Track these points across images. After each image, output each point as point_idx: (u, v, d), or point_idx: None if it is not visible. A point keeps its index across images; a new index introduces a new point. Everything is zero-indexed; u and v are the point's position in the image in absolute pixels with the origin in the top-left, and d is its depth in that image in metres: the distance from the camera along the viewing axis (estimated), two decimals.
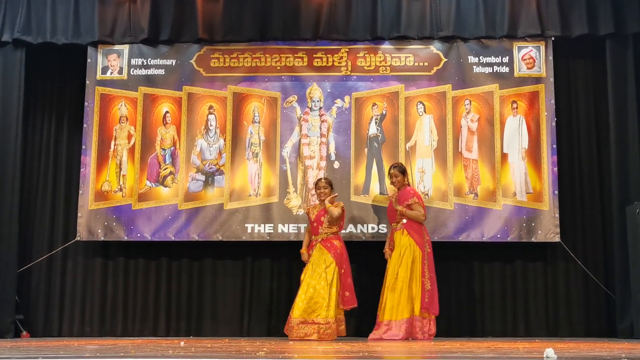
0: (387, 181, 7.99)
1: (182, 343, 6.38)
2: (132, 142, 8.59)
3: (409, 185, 7.81)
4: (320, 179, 7.83)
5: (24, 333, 8.27)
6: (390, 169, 7.80)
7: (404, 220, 7.56)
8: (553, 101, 8.40)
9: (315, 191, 7.80)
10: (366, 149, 8.47)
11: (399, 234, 7.60)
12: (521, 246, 8.33)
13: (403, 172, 7.73)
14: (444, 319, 8.00)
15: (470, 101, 8.47)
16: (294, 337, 7.29)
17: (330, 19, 8.56)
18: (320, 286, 7.38)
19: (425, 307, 7.38)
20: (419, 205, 7.58)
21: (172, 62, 8.69)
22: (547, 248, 8.37)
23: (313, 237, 7.67)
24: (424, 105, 8.49)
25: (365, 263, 8.42)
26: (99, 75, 8.68)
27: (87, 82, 8.65)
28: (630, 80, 8.39)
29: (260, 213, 8.39)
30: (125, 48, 8.73)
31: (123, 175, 8.53)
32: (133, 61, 8.71)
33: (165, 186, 8.50)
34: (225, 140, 8.54)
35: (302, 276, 7.55)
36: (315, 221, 7.64)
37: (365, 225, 8.31)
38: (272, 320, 8.42)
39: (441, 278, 7.74)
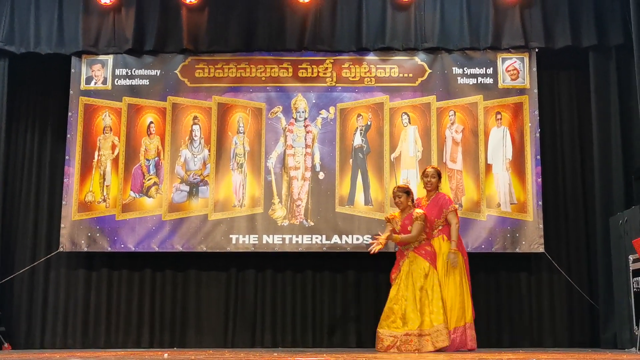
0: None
1: (165, 355, 6.34)
2: (116, 153, 8.55)
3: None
4: (394, 188, 7.38)
5: (6, 345, 8.19)
6: (426, 169, 7.48)
7: (440, 226, 7.37)
8: (537, 112, 8.44)
9: (393, 200, 7.39)
10: (351, 160, 8.47)
11: (439, 240, 7.31)
12: (505, 257, 8.35)
13: (439, 175, 7.50)
14: None
15: (454, 112, 8.50)
16: (412, 350, 6.93)
17: (315, 30, 8.58)
18: (426, 296, 7.06)
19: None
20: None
21: (156, 73, 8.67)
22: (531, 259, 8.39)
23: (403, 246, 7.23)
24: (408, 116, 8.52)
25: (350, 274, 8.42)
26: (82, 86, 8.65)
27: (71, 92, 8.62)
28: (612, 91, 8.45)
29: (245, 224, 8.37)
30: (109, 58, 8.70)
31: (107, 186, 8.49)
32: (117, 71, 8.68)
33: (149, 197, 8.47)
34: (209, 150, 8.52)
35: (393, 290, 7.15)
36: (401, 231, 7.24)
37: (350, 236, 8.31)
38: (257, 332, 8.38)
39: None
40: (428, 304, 7.04)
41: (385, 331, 7.03)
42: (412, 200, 7.34)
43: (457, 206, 7.50)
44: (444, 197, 7.42)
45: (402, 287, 7.11)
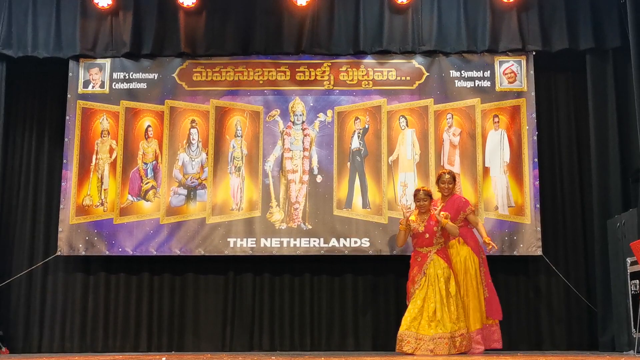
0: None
1: (163, 359, 6.34)
2: (113, 156, 8.54)
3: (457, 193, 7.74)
4: (418, 190, 7.45)
5: (3, 349, 8.18)
6: (442, 175, 7.63)
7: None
8: (534, 115, 8.44)
9: (415, 203, 7.48)
10: (349, 163, 8.47)
11: (455, 243, 7.45)
12: (503, 260, 8.34)
13: (454, 179, 7.67)
14: None
15: (452, 115, 8.50)
16: (439, 353, 6.96)
17: (312, 33, 8.58)
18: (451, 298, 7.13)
19: (488, 314, 7.37)
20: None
21: (154, 76, 8.67)
22: (529, 261, 8.39)
23: (425, 248, 7.30)
24: (406, 119, 8.52)
25: (348, 277, 8.43)
26: (80, 89, 8.64)
27: (69, 95, 8.61)
28: (610, 94, 8.46)
29: (243, 227, 8.36)
30: (107, 62, 8.70)
31: (104, 190, 8.48)
32: (115, 75, 8.67)
33: (147, 200, 8.46)
34: (207, 154, 8.52)
35: (419, 293, 7.16)
36: (426, 232, 7.28)
37: (347, 239, 8.30)
38: (255, 335, 8.37)
39: None
40: (454, 308, 7.08)
41: (412, 333, 7.06)
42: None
43: (473, 207, 7.73)
44: (460, 199, 7.60)
45: (429, 289, 7.16)
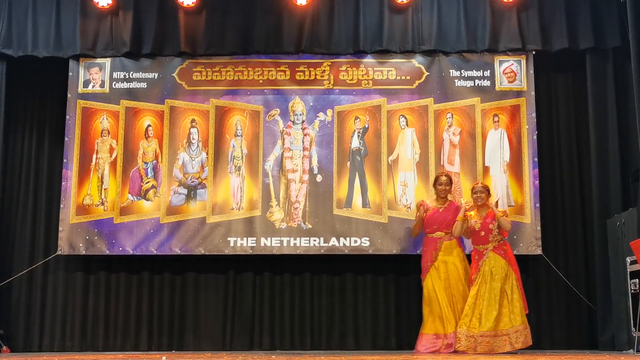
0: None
1: (164, 358, 6.35)
2: (113, 156, 8.55)
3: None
4: (477, 184, 7.66)
5: (4, 348, 8.19)
6: (440, 178, 7.80)
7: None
8: (534, 114, 8.45)
9: (472, 196, 7.60)
10: (349, 163, 8.48)
11: (451, 244, 7.63)
12: None
13: (451, 180, 7.86)
14: None
15: (452, 114, 8.51)
16: (485, 352, 7.04)
17: (312, 33, 8.58)
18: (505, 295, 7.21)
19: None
20: None
21: (154, 76, 8.67)
22: (528, 261, 8.39)
23: (481, 246, 7.40)
24: (406, 118, 8.53)
25: (348, 276, 8.44)
26: (80, 89, 8.65)
27: (69, 95, 8.61)
28: (610, 93, 8.46)
29: (243, 227, 8.37)
30: (107, 61, 8.70)
31: (105, 189, 8.49)
32: (115, 74, 8.68)
33: (147, 200, 8.47)
34: (207, 153, 8.53)
35: (472, 290, 7.28)
36: (482, 229, 7.40)
37: (347, 238, 8.31)
38: (255, 335, 8.38)
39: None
40: (507, 304, 7.15)
41: (464, 331, 7.15)
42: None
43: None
44: (455, 204, 7.78)
45: (481, 287, 7.24)
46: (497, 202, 7.75)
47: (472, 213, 7.51)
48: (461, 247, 7.67)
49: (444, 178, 7.79)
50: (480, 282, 7.26)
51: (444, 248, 7.58)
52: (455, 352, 7.14)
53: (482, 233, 7.38)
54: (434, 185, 7.86)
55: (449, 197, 7.85)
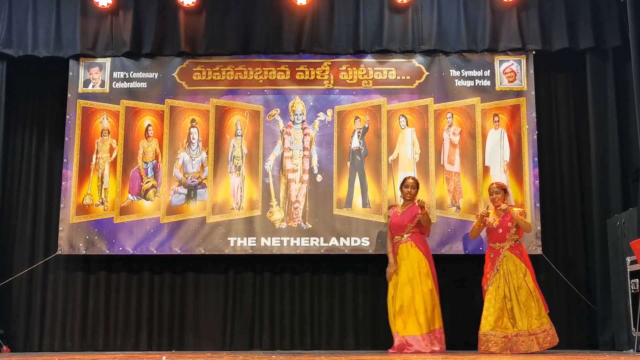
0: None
1: (164, 358, 6.35)
2: (113, 156, 8.55)
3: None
4: (492, 185, 7.71)
5: (5, 348, 8.19)
6: (406, 180, 7.82)
7: (410, 232, 7.59)
8: (534, 114, 8.45)
9: (489, 197, 7.67)
10: (349, 162, 8.48)
11: (407, 246, 7.63)
12: None
13: (418, 185, 7.85)
14: None
15: (452, 114, 8.51)
16: (516, 352, 7.07)
17: (312, 32, 8.59)
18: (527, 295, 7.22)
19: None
20: None
21: (154, 75, 8.68)
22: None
23: (497, 244, 7.42)
24: (406, 118, 8.53)
25: (348, 276, 8.44)
26: (80, 89, 8.65)
27: (69, 95, 8.62)
28: (610, 93, 8.47)
29: (243, 226, 8.37)
30: (107, 61, 8.71)
31: (105, 189, 8.49)
32: (115, 74, 8.68)
33: (147, 199, 8.47)
34: (207, 153, 8.53)
35: (497, 292, 7.26)
36: (500, 227, 7.41)
37: (348, 238, 8.31)
38: (255, 334, 8.38)
39: None
40: (535, 305, 7.17)
41: (498, 332, 7.17)
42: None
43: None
44: (414, 206, 7.71)
45: (506, 287, 7.25)
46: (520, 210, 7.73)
47: (490, 212, 7.55)
48: (418, 246, 7.60)
49: (410, 181, 7.81)
50: (501, 282, 7.27)
51: (400, 251, 7.62)
52: (492, 353, 7.08)
53: (500, 230, 7.41)
54: (400, 187, 7.89)
55: (416, 201, 7.73)
